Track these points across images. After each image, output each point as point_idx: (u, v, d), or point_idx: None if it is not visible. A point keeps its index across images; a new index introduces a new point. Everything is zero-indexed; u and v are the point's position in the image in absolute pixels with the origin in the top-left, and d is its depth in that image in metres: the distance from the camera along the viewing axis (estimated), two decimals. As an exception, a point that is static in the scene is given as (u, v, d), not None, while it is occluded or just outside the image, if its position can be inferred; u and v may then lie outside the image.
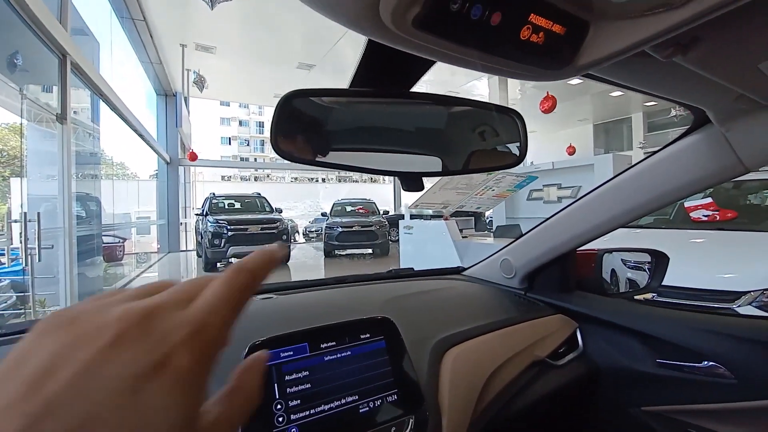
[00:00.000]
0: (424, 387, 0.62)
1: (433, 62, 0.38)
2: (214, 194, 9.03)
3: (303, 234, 16.47)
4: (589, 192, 0.89)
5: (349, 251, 9.79)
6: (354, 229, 9.24)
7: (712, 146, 0.67)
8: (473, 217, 5.93)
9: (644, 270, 1.12)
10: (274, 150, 0.37)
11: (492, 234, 5.22)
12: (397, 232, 5.96)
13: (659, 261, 1.05)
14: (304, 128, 0.41)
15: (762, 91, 0.51)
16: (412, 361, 0.63)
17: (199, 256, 8.63)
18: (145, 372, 0.16)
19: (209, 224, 7.60)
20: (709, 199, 3.00)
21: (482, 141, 0.52)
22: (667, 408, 0.80)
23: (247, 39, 7.95)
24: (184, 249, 11.48)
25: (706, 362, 0.76)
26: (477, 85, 10.06)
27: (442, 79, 9.87)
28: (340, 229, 9.20)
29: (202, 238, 8.04)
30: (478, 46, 0.29)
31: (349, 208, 10.48)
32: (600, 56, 0.33)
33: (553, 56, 0.33)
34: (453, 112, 0.49)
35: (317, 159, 0.40)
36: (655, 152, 0.78)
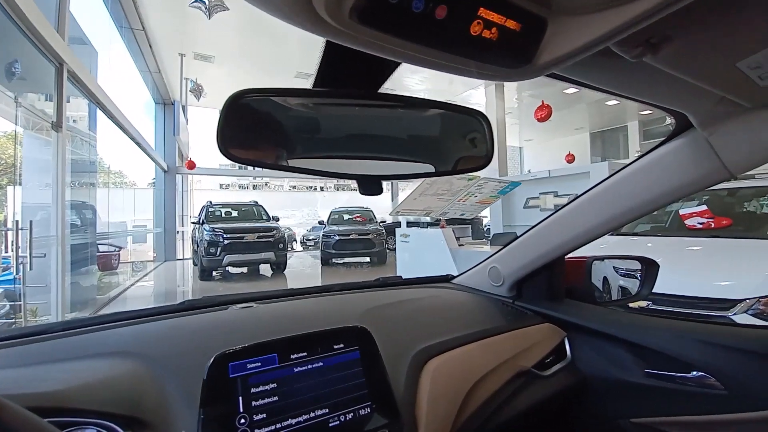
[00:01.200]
0: (402, 399, 0.60)
1: (399, 63, 0.36)
2: (210, 202, 9.00)
3: (300, 242, 16.41)
4: (575, 198, 0.88)
5: (346, 260, 9.70)
6: (351, 237, 9.17)
7: (695, 151, 0.66)
8: (470, 225, 5.91)
9: (636, 277, 1.10)
10: (222, 153, 0.35)
11: (489, 242, 5.19)
12: (395, 240, 5.91)
13: (649, 268, 1.04)
14: (256, 130, 0.39)
15: (743, 91, 0.49)
16: (388, 373, 0.61)
17: (195, 264, 8.57)
18: None
19: (205, 233, 7.56)
20: (704, 207, 2.99)
21: (448, 143, 0.50)
22: (657, 419, 0.78)
23: (245, 48, 8.00)
24: (181, 258, 11.42)
25: (695, 372, 0.74)
26: (474, 94, 10.12)
27: (440, 87, 9.92)
28: (336, 238, 9.12)
29: (198, 246, 7.99)
30: (425, 41, 0.27)
31: (346, 216, 10.41)
32: (562, 53, 0.31)
33: (511, 54, 0.31)
34: (417, 114, 0.48)
35: (269, 162, 0.37)
36: (639, 157, 0.76)
